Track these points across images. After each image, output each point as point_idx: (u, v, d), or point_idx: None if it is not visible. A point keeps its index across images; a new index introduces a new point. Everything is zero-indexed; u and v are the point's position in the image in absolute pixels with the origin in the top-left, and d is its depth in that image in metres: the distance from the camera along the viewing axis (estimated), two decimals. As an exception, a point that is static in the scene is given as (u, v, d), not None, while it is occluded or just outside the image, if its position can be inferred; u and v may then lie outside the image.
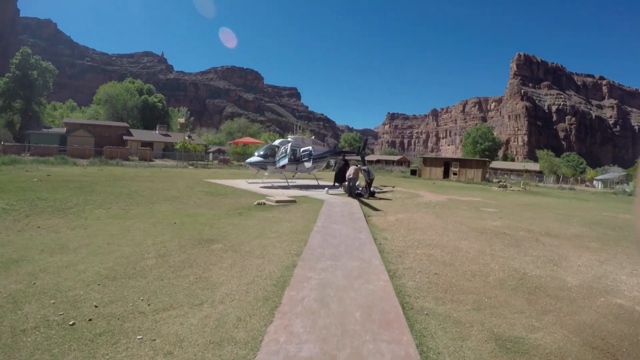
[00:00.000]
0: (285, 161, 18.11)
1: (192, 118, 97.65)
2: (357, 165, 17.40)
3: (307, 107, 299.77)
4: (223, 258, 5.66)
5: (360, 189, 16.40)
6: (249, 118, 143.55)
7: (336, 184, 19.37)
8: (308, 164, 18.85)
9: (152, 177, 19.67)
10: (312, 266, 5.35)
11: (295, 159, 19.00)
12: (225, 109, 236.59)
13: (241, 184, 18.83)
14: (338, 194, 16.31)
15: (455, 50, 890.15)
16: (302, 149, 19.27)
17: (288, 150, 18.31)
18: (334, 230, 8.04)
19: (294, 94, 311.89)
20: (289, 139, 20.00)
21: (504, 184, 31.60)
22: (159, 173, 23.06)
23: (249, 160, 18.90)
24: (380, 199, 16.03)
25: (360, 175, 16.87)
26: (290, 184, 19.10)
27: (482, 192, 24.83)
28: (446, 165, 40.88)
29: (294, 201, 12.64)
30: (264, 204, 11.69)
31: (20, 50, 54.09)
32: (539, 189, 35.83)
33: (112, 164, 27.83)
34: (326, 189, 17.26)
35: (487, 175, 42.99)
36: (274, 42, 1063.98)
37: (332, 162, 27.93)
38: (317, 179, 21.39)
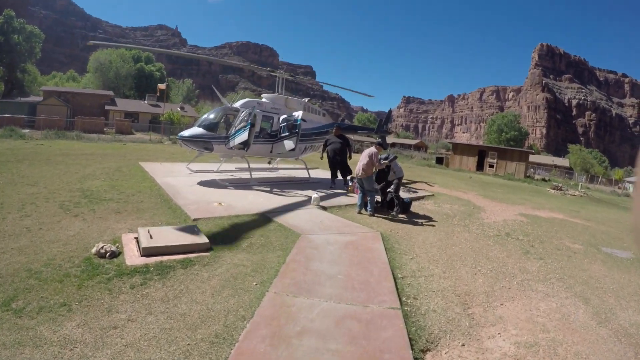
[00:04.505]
0: (244, 136, 9.87)
1: (197, 90, 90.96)
2: (374, 148, 8.95)
3: (321, 87, 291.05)
4: None
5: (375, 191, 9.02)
6: (261, 93, 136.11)
7: (335, 179, 11.77)
8: (289, 143, 10.75)
9: (80, 155, 14.00)
10: None
11: (270, 134, 11.33)
12: (238, 84, 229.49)
13: (178, 172, 11.58)
14: (336, 206, 8.96)
15: (475, 36, 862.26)
16: (281, 117, 11.38)
17: (254, 117, 10.19)
18: None
19: (309, 72, 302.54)
20: (262, 99, 12.09)
21: (559, 185, 25.24)
22: (105, 150, 17.38)
23: (182, 133, 10.48)
24: (421, 219, 8.77)
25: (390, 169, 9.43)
26: (256, 175, 11.73)
27: (541, 197, 18.39)
28: (481, 154, 34.09)
29: (208, 248, 4.91)
30: (112, 254, 4.37)
31: (3, 13, 48.30)
32: (595, 193, 29.41)
33: (69, 137, 22.49)
34: (315, 194, 9.25)
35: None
36: (291, 18, 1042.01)
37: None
38: (307, 168, 13.35)
